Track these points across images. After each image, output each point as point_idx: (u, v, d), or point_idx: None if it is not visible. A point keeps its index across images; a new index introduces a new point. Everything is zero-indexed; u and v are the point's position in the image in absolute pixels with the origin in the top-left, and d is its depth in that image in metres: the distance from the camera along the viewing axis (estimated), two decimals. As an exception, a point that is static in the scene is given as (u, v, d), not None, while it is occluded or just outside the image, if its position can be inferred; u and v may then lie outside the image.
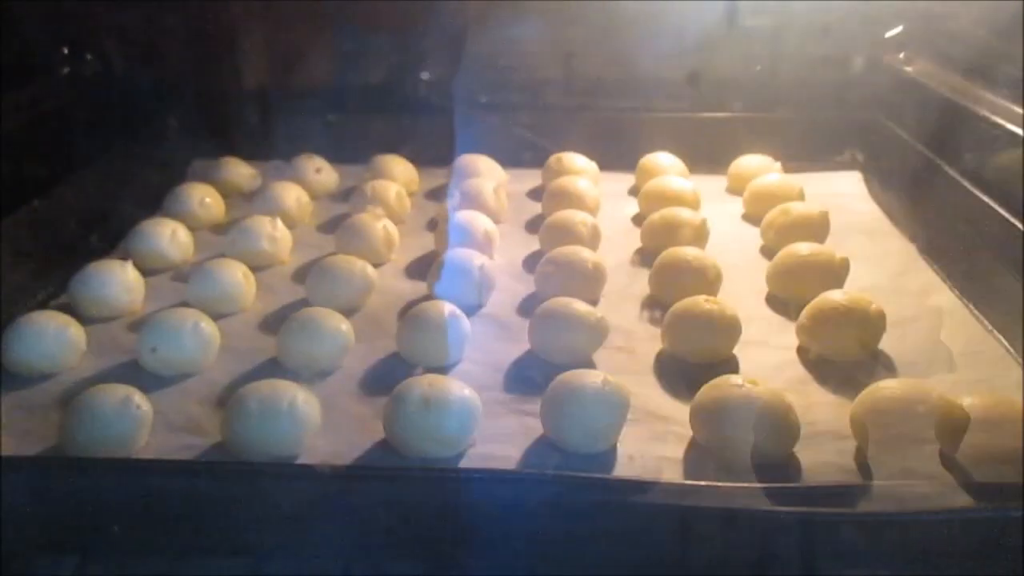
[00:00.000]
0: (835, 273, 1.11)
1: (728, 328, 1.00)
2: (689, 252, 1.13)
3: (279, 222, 1.26)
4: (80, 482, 0.76)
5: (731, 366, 0.99)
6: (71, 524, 0.76)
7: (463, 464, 0.84)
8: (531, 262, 1.24)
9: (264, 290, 1.17)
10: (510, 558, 0.73)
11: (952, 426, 0.81)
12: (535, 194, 1.47)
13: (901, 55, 1.47)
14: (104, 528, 0.75)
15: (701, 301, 1.01)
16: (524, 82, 1.57)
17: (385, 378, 0.97)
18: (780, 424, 0.82)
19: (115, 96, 1.53)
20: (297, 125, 1.53)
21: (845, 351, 0.99)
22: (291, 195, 1.37)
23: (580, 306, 1.01)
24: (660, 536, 0.72)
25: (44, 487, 0.76)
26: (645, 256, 1.24)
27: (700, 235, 1.23)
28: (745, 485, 0.71)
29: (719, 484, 0.72)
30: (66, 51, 1.46)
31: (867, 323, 0.99)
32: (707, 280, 1.10)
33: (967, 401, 0.81)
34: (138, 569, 0.75)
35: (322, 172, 1.48)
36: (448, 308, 1.02)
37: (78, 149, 1.39)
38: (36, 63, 1.42)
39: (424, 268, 1.21)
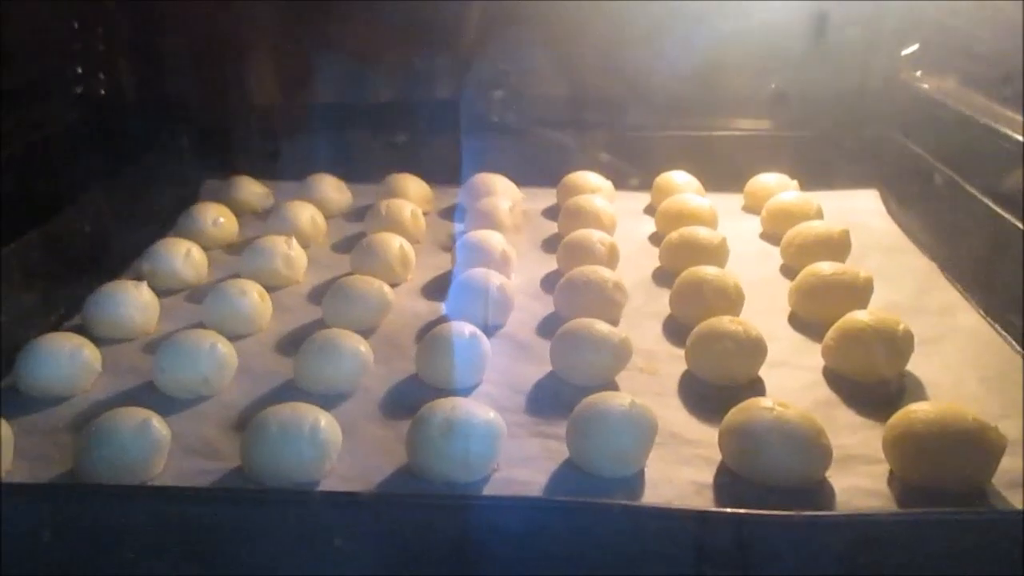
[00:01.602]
0: (859, 292, 1.09)
1: (754, 349, 0.98)
2: (710, 271, 1.11)
3: (294, 241, 1.25)
4: (95, 509, 0.74)
5: (756, 388, 0.98)
6: (85, 552, 0.74)
7: (488, 489, 0.82)
8: (549, 282, 1.22)
9: (280, 310, 1.16)
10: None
11: (989, 449, 0.79)
12: (550, 213, 1.46)
13: (917, 72, 1.47)
14: (119, 557, 0.73)
15: (726, 321, 0.99)
16: (537, 100, 1.56)
17: (405, 400, 0.95)
18: (812, 448, 0.81)
19: (127, 115, 1.52)
20: (310, 144, 1.53)
21: (873, 372, 0.97)
22: (305, 214, 1.36)
23: (603, 326, 0.99)
24: (692, 563, 0.70)
25: (58, 514, 0.74)
26: (664, 275, 1.23)
27: (720, 254, 1.22)
28: (784, 513, 0.69)
29: (758, 512, 0.69)
30: (79, 71, 1.46)
31: (895, 344, 0.97)
32: (729, 300, 1.09)
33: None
34: (155, 599, 0.73)
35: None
36: (468, 329, 1.00)
37: (90, 169, 1.37)
38: (48, 83, 1.42)
39: (441, 288, 1.19)
